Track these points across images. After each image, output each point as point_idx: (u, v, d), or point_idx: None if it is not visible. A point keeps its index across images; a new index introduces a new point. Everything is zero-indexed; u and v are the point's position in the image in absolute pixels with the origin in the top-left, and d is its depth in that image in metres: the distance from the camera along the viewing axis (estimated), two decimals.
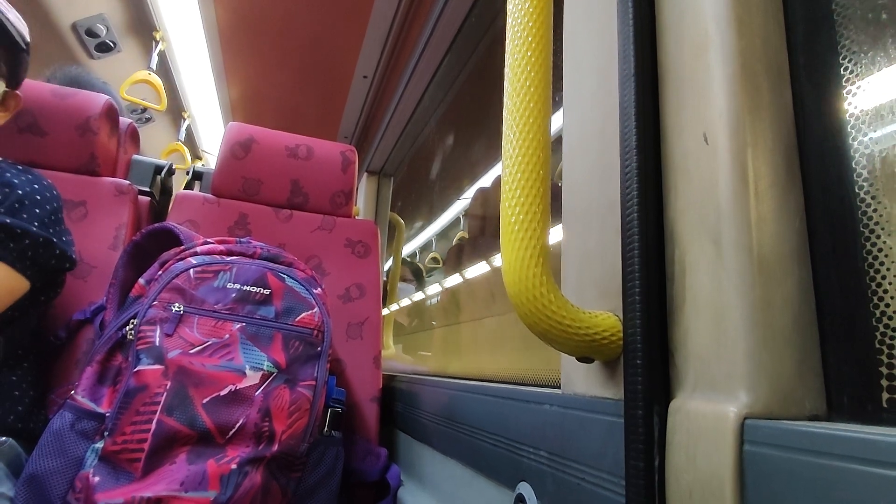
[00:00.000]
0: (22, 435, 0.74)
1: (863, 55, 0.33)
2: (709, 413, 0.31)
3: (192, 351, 0.68)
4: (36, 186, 0.78)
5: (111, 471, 0.62)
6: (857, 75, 0.33)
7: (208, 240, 0.80)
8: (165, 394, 0.65)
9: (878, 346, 0.29)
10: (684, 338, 0.36)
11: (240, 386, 0.68)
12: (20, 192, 0.75)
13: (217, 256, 0.77)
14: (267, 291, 0.75)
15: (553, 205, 0.39)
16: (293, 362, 0.72)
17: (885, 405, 0.29)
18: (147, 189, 1.17)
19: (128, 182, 1.03)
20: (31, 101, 0.97)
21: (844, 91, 0.34)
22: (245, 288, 0.74)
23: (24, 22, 0.83)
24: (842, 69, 0.34)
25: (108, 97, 1.04)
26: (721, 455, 0.30)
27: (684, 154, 0.37)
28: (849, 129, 0.33)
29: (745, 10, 0.36)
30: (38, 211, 0.75)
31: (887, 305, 0.29)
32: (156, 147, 2.66)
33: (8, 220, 0.71)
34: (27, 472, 0.63)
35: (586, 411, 0.44)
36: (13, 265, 0.72)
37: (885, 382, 0.29)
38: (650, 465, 0.34)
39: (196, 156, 2.97)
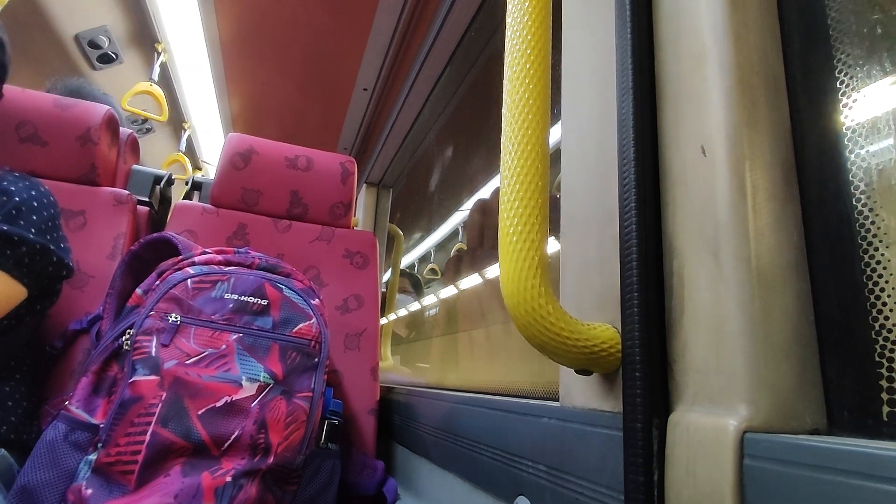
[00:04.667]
0: (15, 446, 0.74)
1: (859, 69, 0.33)
2: (708, 426, 0.31)
3: (188, 362, 0.67)
4: (33, 193, 0.78)
5: (104, 483, 0.61)
6: (853, 88, 0.33)
7: (206, 250, 0.80)
8: (161, 405, 0.64)
9: (877, 358, 0.29)
10: (683, 350, 0.35)
11: (236, 397, 0.67)
12: (17, 199, 0.75)
13: (215, 267, 0.77)
14: (265, 302, 0.75)
15: (551, 216, 0.39)
16: (290, 373, 0.72)
17: (885, 419, 0.28)
18: (146, 199, 1.17)
19: (127, 192, 1.03)
20: (32, 111, 0.98)
21: (841, 104, 0.34)
22: (243, 298, 0.74)
23: None
24: (838, 82, 0.34)
25: (109, 107, 1.05)
26: (721, 469, 0.29)
27: (682, 166, 0.38)
28: (846, 142, 0.33)
29: (742, 24, 0.36)
30: (35, 218, 0.75)
31: (886, 318, 0.29)
32: (157, 157, 2.67)
33: (5, 228, 0.71)
34: (19, 484, 0.62)
35: (585, 424, 0.43)
36: (10, 272, 0.71)
37: (885, 396, 0.29)
38: (649, 480, 0.34)
39: (196, 166, 2.98)
